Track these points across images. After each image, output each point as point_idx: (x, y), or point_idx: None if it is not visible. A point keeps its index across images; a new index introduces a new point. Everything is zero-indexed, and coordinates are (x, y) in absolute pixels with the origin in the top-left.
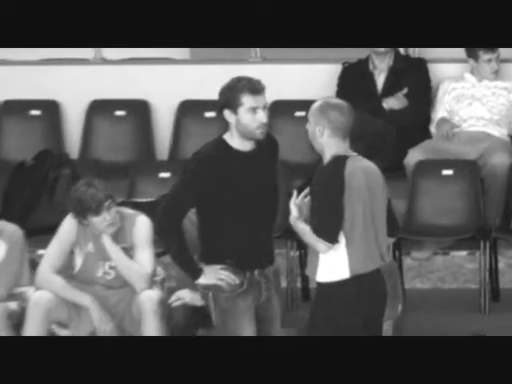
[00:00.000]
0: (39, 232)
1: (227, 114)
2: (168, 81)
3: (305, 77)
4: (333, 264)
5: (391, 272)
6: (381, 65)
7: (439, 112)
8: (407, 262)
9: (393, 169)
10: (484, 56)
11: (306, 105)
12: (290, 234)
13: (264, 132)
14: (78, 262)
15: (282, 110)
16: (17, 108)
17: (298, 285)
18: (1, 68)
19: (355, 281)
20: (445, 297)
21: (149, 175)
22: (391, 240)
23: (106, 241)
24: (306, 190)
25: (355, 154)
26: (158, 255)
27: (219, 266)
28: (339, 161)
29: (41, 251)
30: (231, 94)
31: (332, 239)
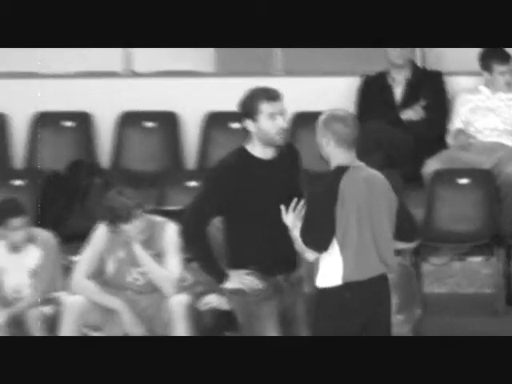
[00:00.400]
0: (72, 239)
1: (248, 123)
2: (195, 93)
3: (326, 89)
4: (328, 270)
5: (401, 275)
6: (398, 77)
7: (455, 123)
8: (425, 267)
9: (411, 178)
10: (498, 68)
11: None
12: None
13: (284, 137)
14: (110, 268)
15: (304, 121)
16: (51, 120)
17: None
18: (36, 81)
19: (348, 287)
20: (461, 301)
21: (177, 184)
22: (411, 245)
23: (137, 248)
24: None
25: (361, 163)
26: (186, 261)
27: (244, 271)
28: (338, 171)
29: (74, 257)
30: (250, 104)
31: (318, 248)
